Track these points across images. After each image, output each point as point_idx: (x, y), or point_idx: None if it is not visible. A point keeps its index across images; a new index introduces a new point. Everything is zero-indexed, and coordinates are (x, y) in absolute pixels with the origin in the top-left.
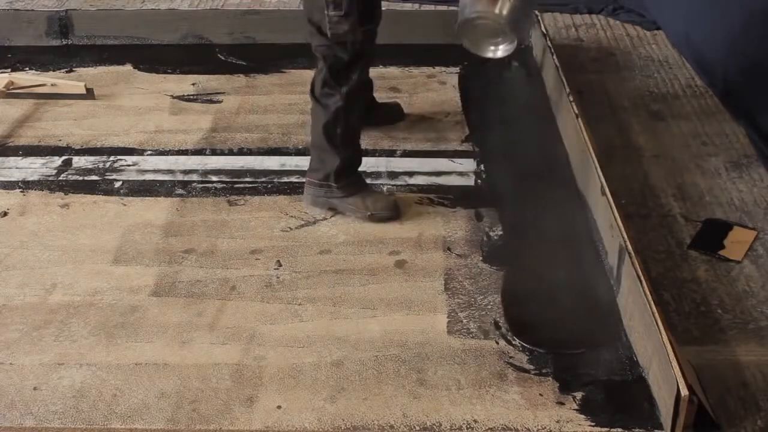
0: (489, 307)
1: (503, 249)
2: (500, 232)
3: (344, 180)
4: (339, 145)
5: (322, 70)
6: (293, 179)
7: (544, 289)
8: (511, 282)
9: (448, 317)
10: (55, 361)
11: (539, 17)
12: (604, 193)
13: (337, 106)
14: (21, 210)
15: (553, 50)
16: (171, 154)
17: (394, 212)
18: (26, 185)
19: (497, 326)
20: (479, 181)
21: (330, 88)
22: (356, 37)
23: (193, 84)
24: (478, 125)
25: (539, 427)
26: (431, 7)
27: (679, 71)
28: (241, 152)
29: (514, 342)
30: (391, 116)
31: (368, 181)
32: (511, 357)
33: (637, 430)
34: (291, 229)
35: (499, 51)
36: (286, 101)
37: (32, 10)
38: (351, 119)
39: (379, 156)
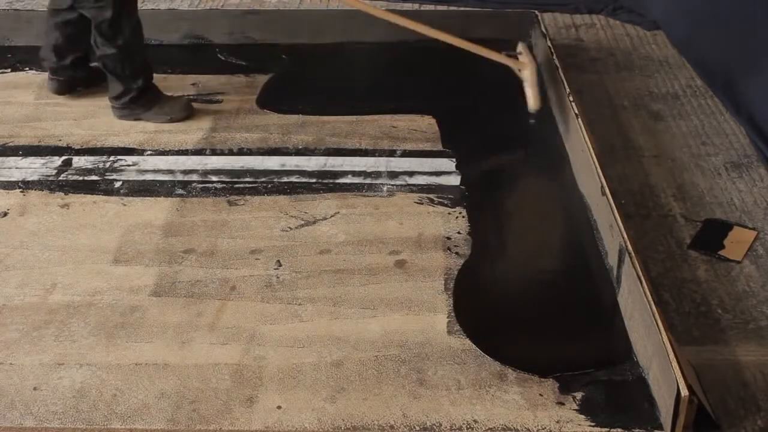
0: None
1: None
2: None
3: (143, 99)
4: (131, 79)
5: (93, 31)
6: (293, 179)
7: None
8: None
9: (448, 317)
10: (55, 361)
11: (539, 17)
12: (604, 193)
13: (118, 58)
14: (21, 210)
15: (553, 50)
16: (171, 154)
17: (188, 111)
18: (26, 185)
19: None
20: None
21: (106, 39)
22: None
23: (193, 84)
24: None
25: (539, 427)
26: (431, 7)
27: (679, 71)
28: (241, 152)
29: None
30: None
31: (368, 180)
32: None
33: (637, 430)
34: (291, 229)
35: None
36: None
37: (32, 10)
38: (135, 61)
39: (379, 156)
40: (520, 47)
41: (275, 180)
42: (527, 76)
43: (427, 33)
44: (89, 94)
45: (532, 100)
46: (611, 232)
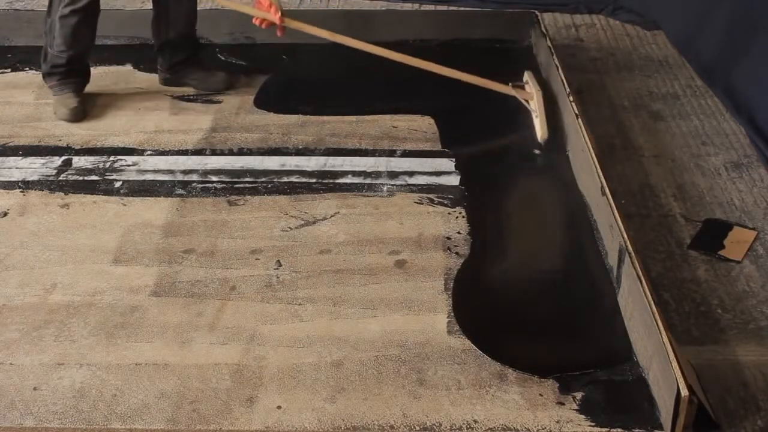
0: None
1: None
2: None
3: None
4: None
5: None
6: (293, 179)
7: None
8: None
9: (448, 317)
10: (55, 361)
11: (539, 17)
12: (604, 193)
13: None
14: (21, 210)
15: (553, 50)
16: (171, 154)
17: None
18: (26, 185)
19: None
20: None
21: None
22: None
23: None
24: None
25: (539, 427)
26: (431, 7)
27: (679, 71)
28: (241, 152)
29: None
30: (210, 83)
31: (368, 180)
32: None
33: (637, 430)
34: (291, 229)
35: None
36: None
37: (32, 10)
38: (57, 42)
39: (379, 156)
40: (526, 76)
41: (275, 180)
42: (534, 107)
43: (428, 68)
44: (89, 95)
45: (539, 131)
46: (611, 232)
